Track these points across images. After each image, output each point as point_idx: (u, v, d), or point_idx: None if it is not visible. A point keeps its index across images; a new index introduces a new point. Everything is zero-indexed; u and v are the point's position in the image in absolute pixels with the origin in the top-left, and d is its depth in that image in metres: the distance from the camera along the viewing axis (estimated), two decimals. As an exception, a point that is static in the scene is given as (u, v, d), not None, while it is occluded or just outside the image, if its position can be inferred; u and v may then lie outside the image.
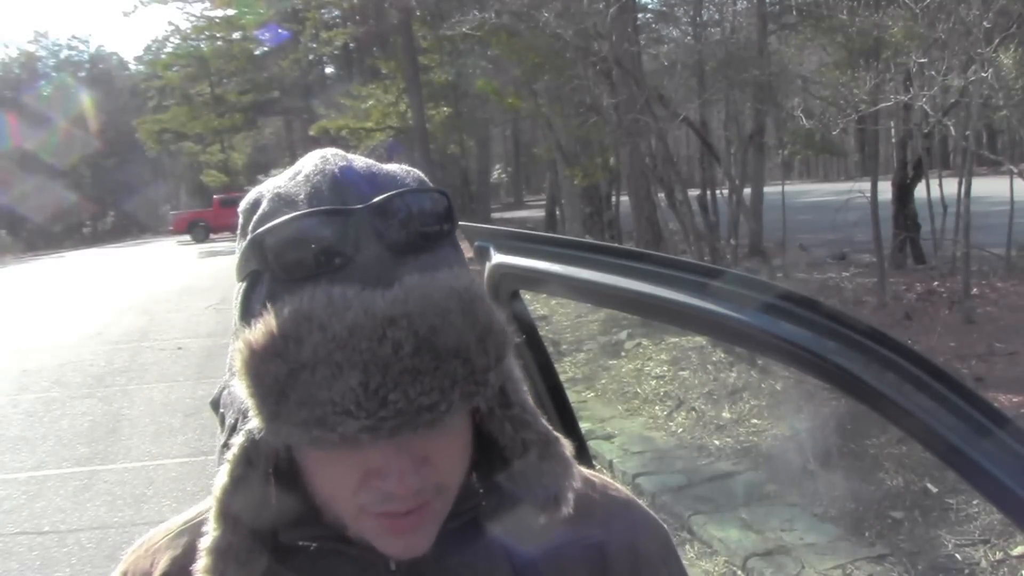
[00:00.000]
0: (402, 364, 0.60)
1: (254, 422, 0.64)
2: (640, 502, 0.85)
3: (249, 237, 0.68)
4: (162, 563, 0.76)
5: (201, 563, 0.68)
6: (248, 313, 0.66)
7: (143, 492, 5.30)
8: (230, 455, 0.68)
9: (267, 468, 0.68)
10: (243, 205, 0.71)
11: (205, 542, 0.68)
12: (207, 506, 0.78)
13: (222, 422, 0.74)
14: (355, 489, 0.65)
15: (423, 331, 0.60)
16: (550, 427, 0.74)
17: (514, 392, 0.72)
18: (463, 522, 0.73)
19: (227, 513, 0.68)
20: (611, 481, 0.85)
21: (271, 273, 0.65)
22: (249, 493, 0.67)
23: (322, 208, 0.65)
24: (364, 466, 0.64)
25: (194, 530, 0.76)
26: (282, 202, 0.67)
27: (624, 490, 0.85)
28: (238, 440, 0.68)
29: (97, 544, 4.53)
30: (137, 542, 0.80)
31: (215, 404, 0.75)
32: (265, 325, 0.62)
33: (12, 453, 6.29)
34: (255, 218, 0.69)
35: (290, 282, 0.63)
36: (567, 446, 0.74)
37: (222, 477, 0.68)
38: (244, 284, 0.69)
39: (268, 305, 0.63)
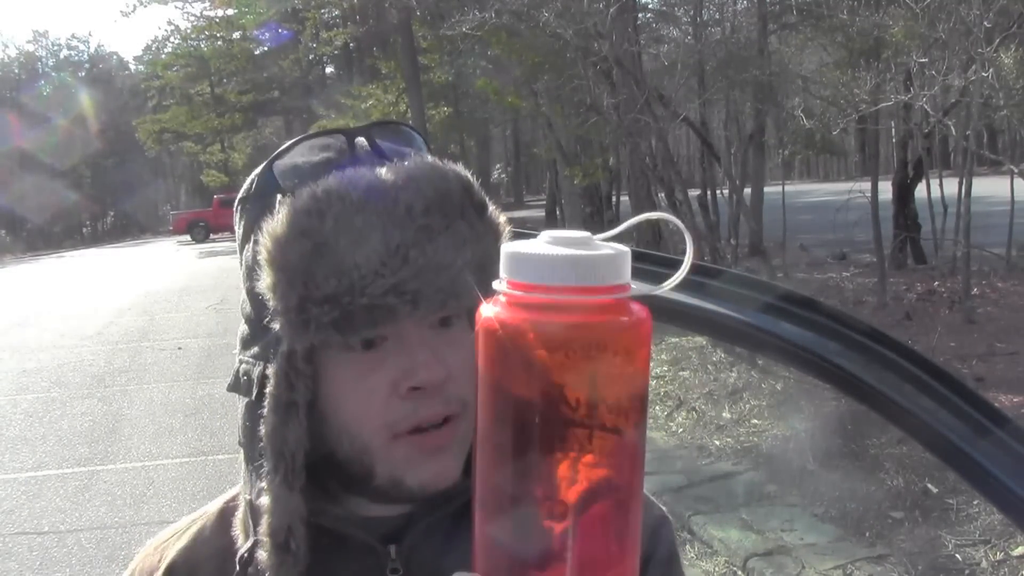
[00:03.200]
0: (416, 223, 0.65)
1: (282, 330, 0.66)
2: (648, 495, 0.85)
3: (260, 168, 0.72)
4: (169, 556, 0.76)
5: (263, 524, 0.67)
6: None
7: (143, 492, 5.30)
8: (270, 386, 0.68)
9: (307, 395, 0.67)
10: (240, 195, 0.75)
11: (259, 499, 0.68)
12: (215, 505, 0.79)
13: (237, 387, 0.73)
14: (385, 402, 0.66)
15: (431, 193, 0.66)
16: None
17: None
18: (461, 506, 0.71)
19: (283, 451, 0.67)
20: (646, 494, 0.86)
21: (283, 193, 0.69)
22: (298, 424, 0.67)
23: (326, 129, 0.73)
24: (391, 372, 0.66)
25: (201, 524, 0.78)
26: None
27: (658, 504, 0.85)
28: (272, 368, 0.68)
29: (97, 544, 4.53)
30: (147, 543, 0.81)
31: (232, 387, 0.74)
32: (285, 211, 0.65)
33: (12, 453, 6.29)
34: (254, 180, 0.73)
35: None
36: None
37: (269, 416, 0.68)
38: (255, 226, 0.70)
39: (286, 200, 0.67)
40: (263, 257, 0.66)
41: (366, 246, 0.64)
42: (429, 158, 0.70)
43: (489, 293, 0.67)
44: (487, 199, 0.70)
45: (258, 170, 0.73)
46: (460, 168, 0.70)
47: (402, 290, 0.64)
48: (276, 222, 0.65)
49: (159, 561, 0.77)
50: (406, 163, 0.68)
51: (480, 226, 0.68)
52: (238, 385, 0.72)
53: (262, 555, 0.68)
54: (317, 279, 0.64)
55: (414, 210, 0.65)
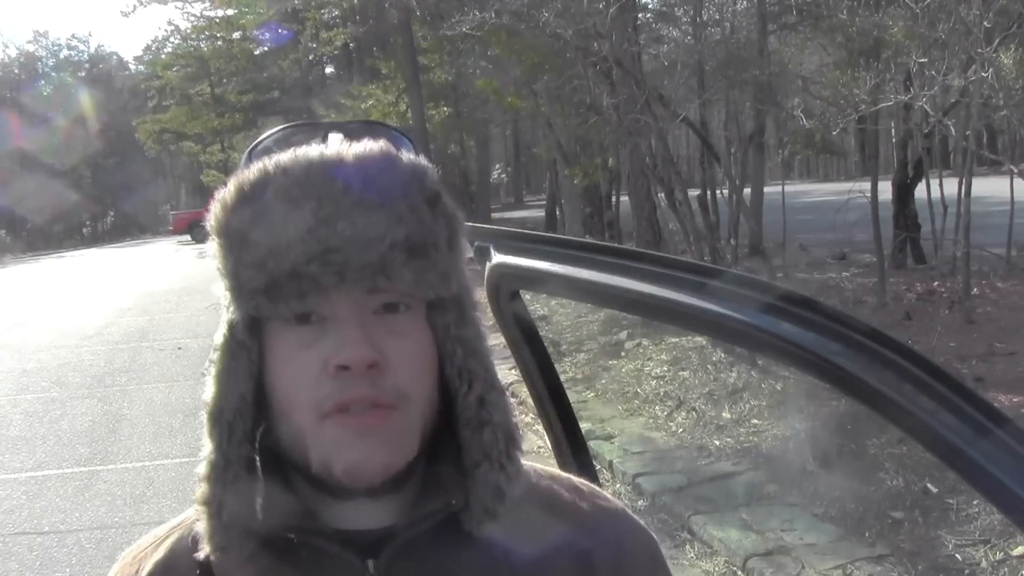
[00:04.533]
0: (351, 199, 0.66)
1: (224, 300, 0.69)
2: (629, 512, 0.84)
3: (242, 156, 0.76)
4: (147, 567, 0.75)
5: (198, 492, 0.69)
6: None
7: (143, 492, 5.30)
8: (214, 354, 0.70)
9: (250, 369, 0.68)
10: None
11: (198, 469, 0.69)
12: (193, 513, 0.77)
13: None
14: (315, 380, 0.66)
15: (374, 173, 0.67)
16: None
17: (471, 310, 0.73)
18: (439, 521, 0.71)
19: (219, 419, 0.69)
20: (600, 490, 0.84)
21: None
22: (237, 396, 0.68)
23: (307, 122, 0.77)
24: (323, 349, 0.66)
25: (180, 534, 0.76)
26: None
27: (614, 499, 0.84)
28: (218, 335, 0.70)
29: (97, 544, 4.53)
30: (125, 552, 0.79)
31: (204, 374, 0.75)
32: (235, 181, 0.69)
33: (12, 453, 6.29)
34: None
35: None
36: (511, 401, 0.75)
37: (209, 385, 0.70)
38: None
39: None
40: (211, 224, 0.69)
41: (297, 215, 0.65)
42: (387, 145, 0.70)
43: (428, 281, 0.68)
44: (442, 192, 0.70)
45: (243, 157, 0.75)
46: (419, 160, 0.71)
47: (327, 260, 0.64)
48: (226, 191, 0.69)
49: (136, 572, 0.75)
50: (360, 144, 0.69)
51: (425, 212, 0.68)
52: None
53: (199, 526, 0.69)
54: (250, 245, 0.66)
55: (351, 185, 0.66)
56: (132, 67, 55.80)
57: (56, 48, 55.71)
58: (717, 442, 5.24)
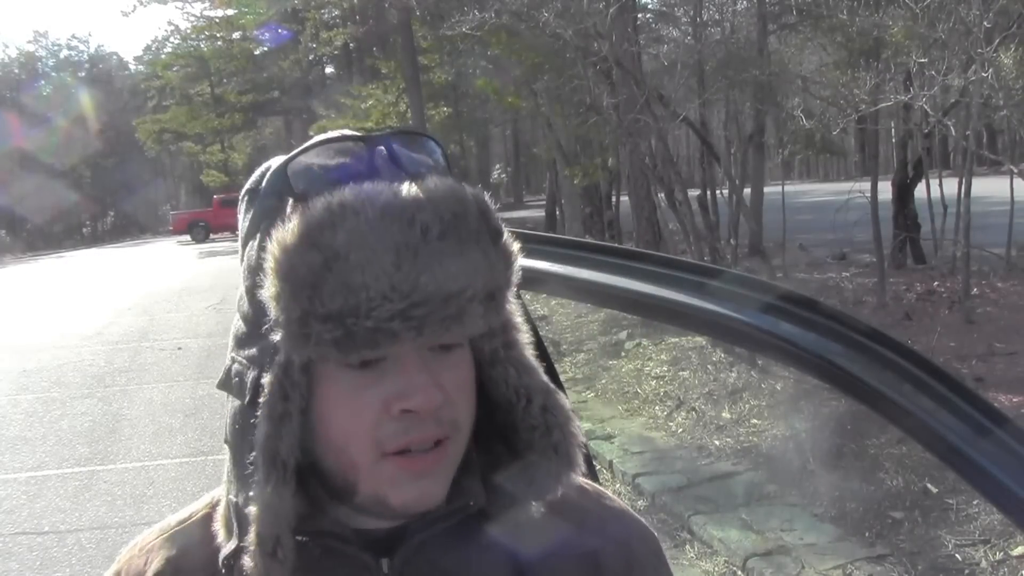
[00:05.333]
0: (430, 247, 0.63)
1: (281, 341, 0.65)
2: (633, 511, 0.85)
3: (275, 165, 0.70)
4: (155, 562, 0.75)
5: (251, 532, 0.66)
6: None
7: (143, 492, 5.30)
8: (265, 394, 0.67)
9: (301, 404, 0.67)
10: (247, 186, 0.73)
11: (249, 508, 0.66)
12: (201, 505, 0.78)
13: (230, 386, 0.72)
14: (375, 421, 0.65)
15: (448, 216, 0.64)
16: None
17: (516, 332, 0.74)
18: (456, 522, 0.72)
19: (276, 461, 0.66)
20: (604, 490, 0.85)
21: (293, 196, 0.67)
22: (291, 434, 0.67)
23: (347, 133, 0.71)
24: (385, 391, 0.65)
25: (189, 529, 0.76)
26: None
27: (618, 499, 0.85)
28: (268, 377, 0.67)
29: (97, 544, 4.52)
30: (131, 542, 0.79)
31: (222, 385, 0.73)
32: (297, 220, 0.64)
33: (12, 453, 6.29)
34: (264, 175, 0.71)
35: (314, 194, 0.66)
36: (566, 398, 0.76)
37: (262, 424, 0.66)
38: (261, 225, 0.69)
39: (298, 208, 0.65)
40: (270, 265, 0.64)
41: (377, 267, 0.62)
42: (449, 179, 0.68)
43: (494, 321, 0.68)
44: (502, 226, 0.69)
45: (271, 164, 0.71)
46: (478, 191, 0.68)
47: (408, 316, 0.62)
48: (287, 231, 0.64)
49: (145, 565, 0.75)
50: (426, 182, 0.66)
51: (493, 254, 0.66)
52: (229, 385, 0.71)
53: (248, 562, 0.67)
54: (323, 295, 0.62)
55: (430, 233, 0.63)
56: (132, 67, 55.84)
57: (56, 48, 55.72)
58: (717, 442, 5.24)
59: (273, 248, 0.64)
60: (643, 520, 0.84)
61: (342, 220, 0.63)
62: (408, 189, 0.65)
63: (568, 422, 0.74)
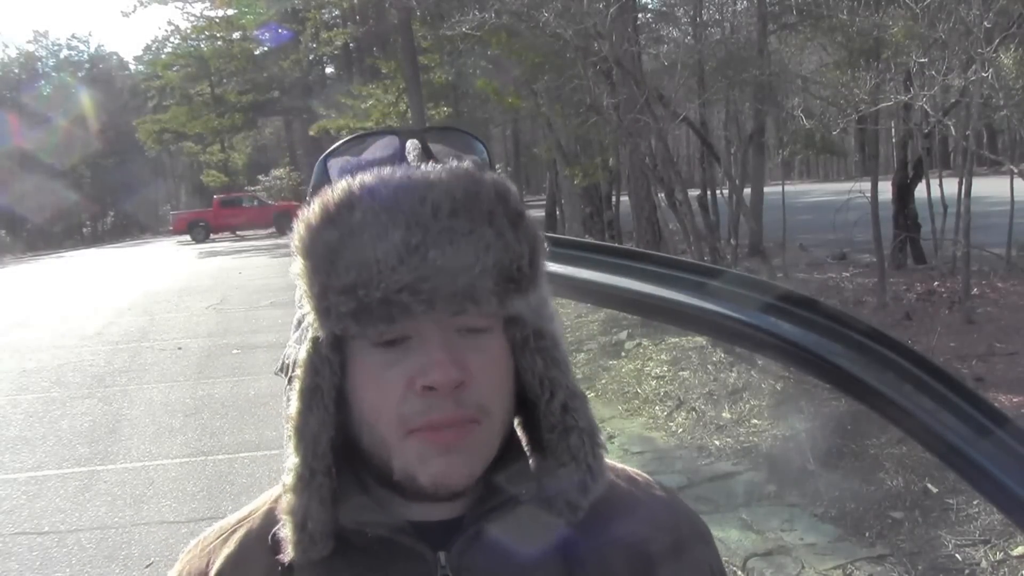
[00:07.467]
0: (440, 224, 0.66)
1: (309, 317, 0.70)
2: (681, 499, 0.86)
3: (318, 161, 0.78)
4: (217, 562, 0.76)
5: (284, 502, 0.70)
6: None
7: (143, 492, 5.30)
8: (298, 370, 0.71)
9: (334, 381, 0.70)
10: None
11: (285, 478, 0.70)
12: (261, 503, 0.80)
13: (286, 374, 0.76)
14: (401, 397, 0.68)
15: (460, 195, 0.67)
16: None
17: (549, 322, 0.75)
18: (507, 513, 0.73)
19: (304, 433, 0.70)
20: (652, 479, 0.86)
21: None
22: (322, 410, 0.70)
23: (379, 129, 0.79)
24: (409, 368, 0.67)
25: (249, 526, 0.78)
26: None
27: (666, 487, 0.86)
28: (302, 352, 0.71)
29: (97, 544, 4.52)
30: (192, 542, 0.81)
31: (283, 369, 0.77)
32: (320, 201, 0.69)
33: (12, 453, 6.29)
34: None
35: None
36: (592, 406, 0.76)
37: (293, 399, 0.70)
38: None
39: (322, 190, 0.70)
40: (295, 243, 0.69)
41: (387, 241, 0.65)
42: (471, 166, 0.70)
43: (512, 302, 0.69)
44: (524, 210, 0.70)
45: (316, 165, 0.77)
46: (502, 177, 0.71)
47: (417, 288, 0.65)
48: (310, 211, 0.69)
49: (207, 566, 0.77)
50: (442, 165, 0.69)
51: (510, 235, 0.68)
52: (283, 367, 0.76)
53: (283, 532, 0.70)
54: (338, 269, 0.66)
55: (440, 211, 0.66)
56: (132, 67, 55.83)
57: (56, 48, 55.67)
58: (717, 442, 5.24)
59: (299, 227, 0.69)
60: (690, 507, 0.86)
61: (359, 200, 0.67)
62: (423, 172, 0.68)
63: (591, 431, 0.74)
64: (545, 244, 0.72)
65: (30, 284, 21.36)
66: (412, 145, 0.73)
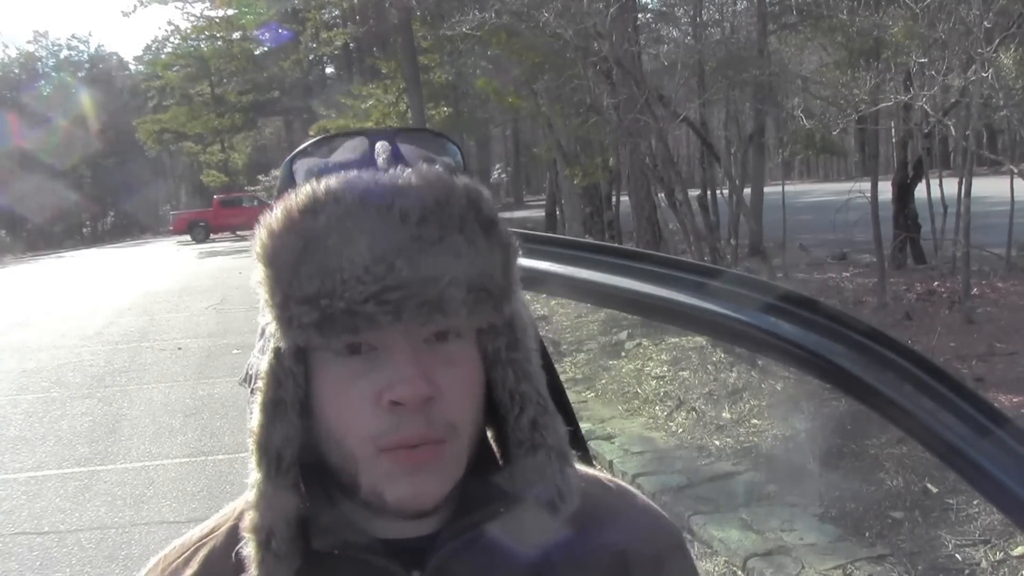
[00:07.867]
0: (408, 231, 0.63)
1: (271, 327, 0.66)
2: (656, 506, 0.85)
3: (283, 164, 0.74)
4: None
5: (246, 519, 0.67)
6: None
7: (143, 492, 5.30)
8: (259, 381, 0.67)
9: (297, 394, 0.67)
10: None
11: (247, 495, 0.68)
12: (223, 518, 0.76)
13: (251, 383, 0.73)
14: (370, 412, 0.65)
15: (430, 203, 0.64)
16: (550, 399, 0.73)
17: (522, 334, 0.72)
18: (480, 529, 0.71)
19: (267, 448, 0.67)
20: (629, 486, 0.84)
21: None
22: (286, 424, 0.67)
23: (353, 129, 0.73)
24: (376, 381, 0.64)
25: (212, 544, 0.75)
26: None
27: (641, 495, 0.85)
28: (263, 363, 0.68)
29: (97, 544, 4.52)
30: (151, 560, 0.77)
31: (247, 379, 0.74)
32: (283, 205, 0.65)
33: (12, 453, 6.29)
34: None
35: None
36: (565, 428, 0.73)
37: (255, 412, 0.67)
38: None
39: (286, 195, 0.66)
40: (256, 250, 0.66)
41: (352, 250, 0.62)
42: (441, 170, 0.67)
43: (483, 311, 0.66)
44: (497, 217, 0.68)
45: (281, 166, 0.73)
46: (473, 182, 0.68)
47: (383, 299, 0.62)
48: (272, 217, 0.66)
49: None
50: (412, 171, 0.66)
51: (482, 242, 0.65)
52: (247, 377, 0.73)
53: (247, 551, 0.67)
54: (301, 278, 0.63)
55: (409, 218, 0.63)
56: (132, 67, 55.81)
57: (56, 48, 55.64)
58: (717, 442, 5.24)
59: (261, 233, 0.66)
60: (666, 515, 0.84)
61: (323, 206, 0.64)
62: (392, 176, 0.65)
63: (560, 450, 0.71)
64: (520, 251, 0.69)
65: (30, 284, 21.36)
66: (382, 147, 0.69)
